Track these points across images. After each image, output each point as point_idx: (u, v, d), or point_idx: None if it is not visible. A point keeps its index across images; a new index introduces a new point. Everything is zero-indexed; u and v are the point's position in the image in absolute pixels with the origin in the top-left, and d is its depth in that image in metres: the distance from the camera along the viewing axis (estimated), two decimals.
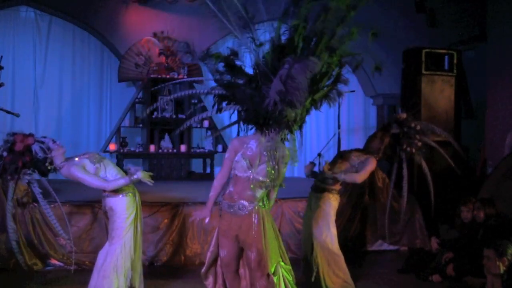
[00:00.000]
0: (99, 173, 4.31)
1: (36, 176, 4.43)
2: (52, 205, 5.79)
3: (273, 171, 3.62)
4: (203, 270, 3.96)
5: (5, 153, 4.24)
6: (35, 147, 4.24)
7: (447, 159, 5.36)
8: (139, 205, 4.44)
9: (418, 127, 5.07)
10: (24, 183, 4.42)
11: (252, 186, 3.65)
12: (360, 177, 4.84)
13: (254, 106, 3.55)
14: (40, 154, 4.24)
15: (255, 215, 3.71)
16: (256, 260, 3.69)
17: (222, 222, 3.80)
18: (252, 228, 3.69)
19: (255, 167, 3.64)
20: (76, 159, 4.29)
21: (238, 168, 3.69)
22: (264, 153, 3.60)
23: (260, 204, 3.75)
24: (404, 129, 5.05)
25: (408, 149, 5.02)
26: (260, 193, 3.71)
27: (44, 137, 4.35)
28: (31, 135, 4.30)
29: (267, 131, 3.59)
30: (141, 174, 4.21)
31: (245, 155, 3.67)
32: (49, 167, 4.27)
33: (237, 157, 3.69)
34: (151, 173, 4.29)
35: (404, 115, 5.14)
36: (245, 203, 3.69)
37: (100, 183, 4.25)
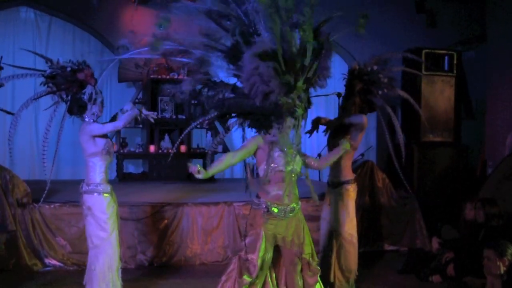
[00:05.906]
0: None
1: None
2: (52, 206, 5.87)
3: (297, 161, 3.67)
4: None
5: (69, 69, 4.25)
6: (89, 89, 4.25)
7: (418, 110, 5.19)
8: (116, 202, 4.38)
9: (375, 67, 4.75)
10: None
11: (293, 180, 3.66)
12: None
13: (252, 110, 3.53)
14: (85, 97, 4.23)
15: (299, 214, 3.75)
16: (296, 254, 3.70)
17: (269, 226, 3.66)
18: (299, 226, 3.71)
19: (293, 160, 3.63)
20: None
21: (279, 162, 3.60)
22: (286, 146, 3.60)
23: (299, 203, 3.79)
24: (364, 78, 4.77)
25: (380, 92, 4.76)
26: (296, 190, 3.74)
27: (101, 91, 4.35)
28: (96, 79, 4.31)
29: (278, 126, 3.57)
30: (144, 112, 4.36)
31: (281, 148, 3.61)
32: (82, 105, 4.22)
33: (274, 152, 3.58)
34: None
35: (356, 66, 4.86)
36: (294, 205, 3.69)
37: (112, 126, 4.33)
